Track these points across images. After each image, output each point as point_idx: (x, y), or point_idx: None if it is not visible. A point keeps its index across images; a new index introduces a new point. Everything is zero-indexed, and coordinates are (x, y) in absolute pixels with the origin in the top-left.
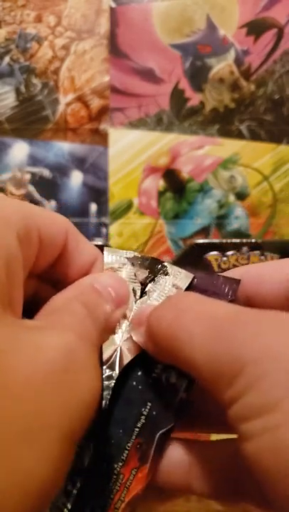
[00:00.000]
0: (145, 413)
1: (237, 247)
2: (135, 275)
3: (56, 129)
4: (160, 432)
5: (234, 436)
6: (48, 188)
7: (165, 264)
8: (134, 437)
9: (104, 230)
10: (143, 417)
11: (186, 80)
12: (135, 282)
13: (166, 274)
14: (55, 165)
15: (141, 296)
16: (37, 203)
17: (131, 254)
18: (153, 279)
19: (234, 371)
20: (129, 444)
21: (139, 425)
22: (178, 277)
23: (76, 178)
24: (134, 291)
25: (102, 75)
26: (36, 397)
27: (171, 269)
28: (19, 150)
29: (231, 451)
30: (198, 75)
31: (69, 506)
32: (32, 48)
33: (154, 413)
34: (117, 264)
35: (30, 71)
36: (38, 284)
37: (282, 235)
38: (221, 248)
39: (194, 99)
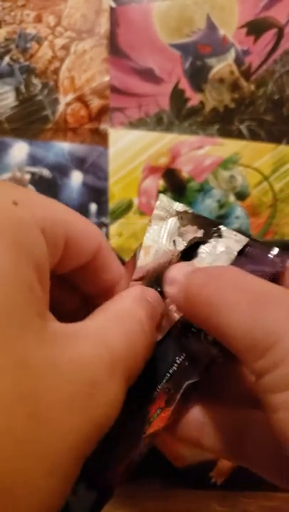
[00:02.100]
0: (178, 362)
1: None
2: (179, 229)
3: (56, 129)
4: (188, 382)
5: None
6: (48, 188)
7: (220, 227)
8: (164, 381)
9: (104, 229)
10: (176, 365)
11: (186, 79)
12: (178, 236)
13: (220, 237)
14: (55, 165)
15: (191, 256)
16: None
17: (182, 208)
18: (206, 241)
19: (268, 343)
20: (159, 386)
21: (170, 371)
22: (231, 241)
23: (76, 178)
24: (174, 243)
25: (102, 74)
26: (57, 420)
27: (226, 232)
28: (19, 150)
29: (242, 417)
30: (198, 75)
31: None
32: (32, 47)
33: (186, 364)
34: (165, 213)
35: (30, 71)
36: (56, 285)
37: (282, 234)
38: None
39: (194, 99)
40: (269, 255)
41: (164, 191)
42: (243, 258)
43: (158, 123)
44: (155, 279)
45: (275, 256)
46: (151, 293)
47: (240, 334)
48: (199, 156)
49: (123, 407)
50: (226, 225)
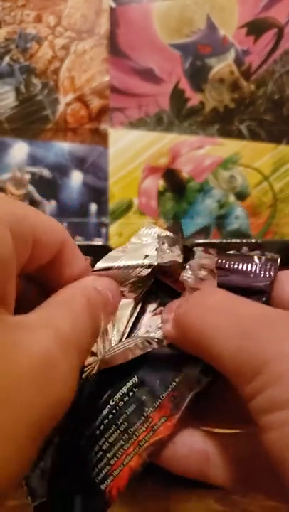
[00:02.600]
0: (185, 371)
1: (237, 247)
2: (158, 250)
3: (56, 129)
4: (194, 391)
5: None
6: (48, 187)
7: (194, 249)
8: (170, 390)
9: (104, 229)
10: (182, 374)
11: (186, 79)
12: (158, 254)
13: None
14: (55, 165)
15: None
16: (37, 203)
17: (164, 233)
18: (186, 266)
19: (257, 367)
20: (163, 395)
21: (176, 380)
22: (206, 260)
23: (76, 178)
24: (145, 256)
25: (102, 74)
26: (9, 398)
27: (199, 253)
28: (19, 150)
29: (248, 443)
30: (198, 75)
31: (97, 432)
32: (32, 47)
33: (192, 373)
34: (146, 237)
35: (30, 71)
36: (24, 283)
37: (282, 234)
38: (221, 248)
39: (194, 99)
40: (253, 267)
41: (164, 191)
42: (227, 273)
43: (158, 123)
44: (132, 287)
45: (258, 268)
46: (103, 281)
47: (228, 358)
48: (199, 156)
49: (123, 406)
50: (226, 225)
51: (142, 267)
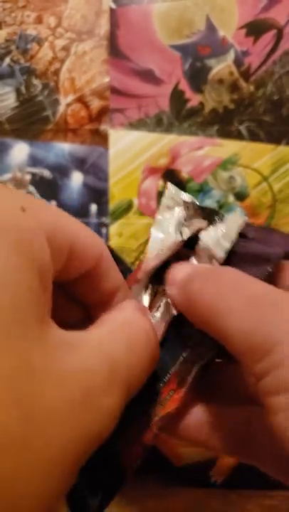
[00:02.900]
0: (191, 345)
1: None
2: (185, 219)
3: (56, 130)
4: (200, 363)
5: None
6: (49, 188)
7: (223, 214)
8: (177, 364)
9: (104, 230)
10: (189, 349)
11: (186, 80)
12: (184, 226)
13: (221, 221)
14: (55, 165)
15: (193, 245)
16: None
17: (190, 198)
18: (207, 228)
19: (267, 346)
20: (172, 369)
21: (184, 355)
22: (232, 223)
23: (76, 179)
24: (180, 233)
25: (102, 76)
26: (44, 433)
27: (228, 217)
28: (19, 151)
29: (246, 415)
30: (197, 76)
31: None
32: (32, 49)
33: (198, 348)
34: (172, 202)
35: (31, 72)
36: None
37: None
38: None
39: (194, 100)
40: (273, 237)
41: (163, 192)
42: (246, 240)
43: (158, 124)
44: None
45: (279, 238)
46: (145, 307)
47: (239, 337)
48: (199, 157)
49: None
50: None
51: (179, 246)
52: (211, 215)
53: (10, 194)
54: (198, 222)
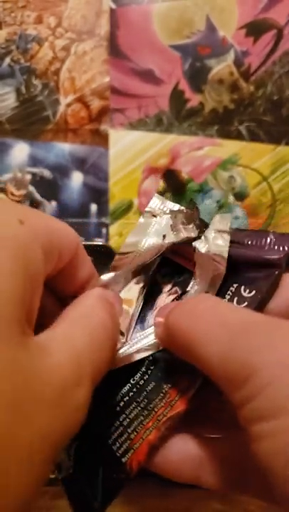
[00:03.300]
0: None
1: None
2: (172, 226)
3: (57, 130)
4: (200, 381)
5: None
6: (49, 188)
7: (205, 221)
8: (186, 366)
9: (104, 230)
10: None
11: (186, 80)
12: (171, 232)
13: (208, 227)
14: (55, 165)
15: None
16: (38, 204)
17: (176, 207)
18: (199, 237)
19: (245, 375)
20: (180, 371)
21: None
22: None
23: (76, 179)
24: (164, 236)
25: (102, 75)
26: (29, 423)
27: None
28: (20, 151)
29: (239, 446)
30: (197, 76)
31: (118, 409)
32: (32, 49)
33: None
34: (158, 211)
35: (31, 72)
36: None
37: None
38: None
39: (194, 100)
40: (267, 241)
41: (163, 192)
42: (244, 246)
43: (158, 124)
44: (142, 269)
45: (273, 243)
46: (111, 293)
47: (217, 365)
48: (199, 157)
49: (143, 384)
50: None
51: (160, 249)
52: (200, 223)
53: (9, 207)
54: (187, 231)
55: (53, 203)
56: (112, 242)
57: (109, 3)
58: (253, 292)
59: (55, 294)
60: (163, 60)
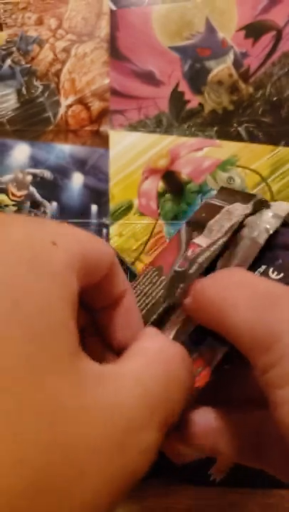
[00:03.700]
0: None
1: None
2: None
3: (57, 131)
4: (223, 351)
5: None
6: (49, 189)
7: (267, 202)
8: (203, 345)
9: (104, 230)
10: (211, 337)
11: (186, 82)
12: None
13: (267, 208)
14: (56, 166)
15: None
16: (38, 204)
17: (241, 194)
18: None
19: (270, 341)
20: (200, 347)
21: (209, 340)
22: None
23: (77, 180)
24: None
25: (102, 77)
26: (82, 470)
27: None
28: (20, 152)
29: (257, 419)
30: (197, 78)
31: None
32: (33, 50)
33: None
34: (228, 202)
35: (32, 73)
36: None
37: None
38: None
39: (193, 101)
40: None
41: (163, 192)
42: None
43: (158, 125)
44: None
45: None
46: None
47: (244, 332)
48: (198, 158)
49: None
50: None
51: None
52: (257, 203)
53: (41, 228)
54: (244, 209)
55: (54, 204)
56: (113, 243)
57: (109, 5)
58: (281, 275)
59: (89, 310)
60: (163, 62)
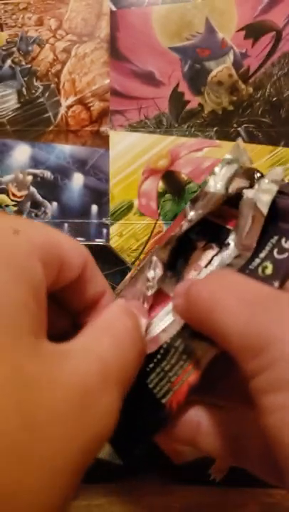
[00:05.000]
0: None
1: None
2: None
3: (57, 131)
4: (214, 353)
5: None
6: (50, 189)
7: (259, 173)
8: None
9: (104, 230)
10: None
11: (186, 82)
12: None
13: (261, 178)
14: (56, 167)
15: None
16: (39, 204)
17: (241, 169)
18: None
19: (260, 346)
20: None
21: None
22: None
23: (77, 180)
24: (226, 189)
25: (102, 77)
26: (45, 432)
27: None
28: (21, 152)
29: (238, 417)
30: (197, 78)
31: (151, 366)
32: (33, 50)
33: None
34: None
35: (32, 74)
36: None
37: None
38: None
39: (193, 101)
40: None
41: (163, 193)
42: (287, 198)
43: (158, 125)
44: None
45: None
46: (135, 303)
47: (234, 336)
48: (198, 158)
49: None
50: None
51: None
52: (251, 174)
53: (5, 217)
54: (241, 182)
55: (54, 204)
56: (113, 243)
57: (109, 6)
58: None
59: (70, 311)
60: (163, 62)
